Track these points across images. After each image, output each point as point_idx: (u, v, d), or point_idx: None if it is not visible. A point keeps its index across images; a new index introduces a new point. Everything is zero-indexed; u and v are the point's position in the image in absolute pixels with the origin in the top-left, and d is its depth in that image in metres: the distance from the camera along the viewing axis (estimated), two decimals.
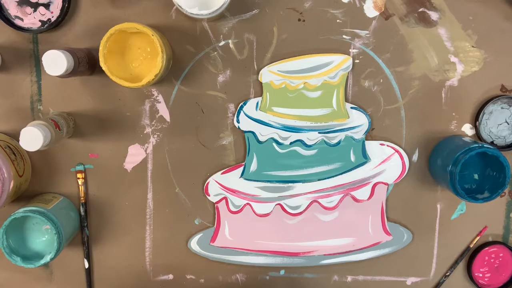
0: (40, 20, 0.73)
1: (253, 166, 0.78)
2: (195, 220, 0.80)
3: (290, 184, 0.79)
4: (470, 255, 0.81)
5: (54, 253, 0.70)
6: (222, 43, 0.76)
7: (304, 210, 0.79)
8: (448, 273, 0.82)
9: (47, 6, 0.73)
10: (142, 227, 0.79)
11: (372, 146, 0.78)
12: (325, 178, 0.79)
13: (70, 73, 0.67)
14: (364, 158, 0.78)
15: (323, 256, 0.81)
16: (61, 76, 0.66)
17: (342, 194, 0.79)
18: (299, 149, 0.77)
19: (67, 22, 0.74)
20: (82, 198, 0.78)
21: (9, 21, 0.73)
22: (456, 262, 0.82)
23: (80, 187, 0.78)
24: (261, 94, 0.77)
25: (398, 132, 0.78)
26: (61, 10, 0.73)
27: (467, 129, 0.79)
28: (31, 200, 0.76)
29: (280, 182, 0.78)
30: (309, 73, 0.76)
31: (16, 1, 0.73)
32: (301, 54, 0.76)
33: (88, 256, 0.79)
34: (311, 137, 0.77)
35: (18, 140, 0.65)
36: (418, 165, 0.79)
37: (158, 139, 0.77)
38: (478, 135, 0.78)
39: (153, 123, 0.77)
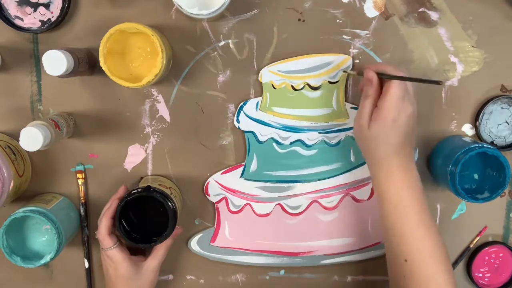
0: (40, 20, 0.73)
1: (253, 166, 0.78)
2: (195, 220, 0.80)
3: (290, 184, 0.79)
4: (470, 255, 0.81)
5: (54, 253, 0.70)
6: (222, 43, 0.76)
7: (304, 210, 0.79)
8: None
9: (47, 6, 0.73)
10: None
11: None
12: (325, 178, 0.78)
13: (70, 73, 0.67)
14: None
15: (323, 256, 0.81)
16: (61, 76, 0.66)
17: (342, 194, 0.79)
18: (299, 149, 0.77)
19: (67, 22, 0.74)
20: (82, 198, 0.78)
21: (9, 21, 0.73)
22: (456, 262, 0.82)
23: (80, 187, 0.78)
24: (261, 94, 0.77)
25: None
26: (61, 10, 0.73)
27: (467, 129, 0.79)
28: (31, 200, 0.76)
29: (280, 182, 0.78)
30: (309, 73, 0.76)
31: (16, 1, 0.73)
32: (301, 54, 0.76)
33: (88, 256, 0.79)
34: (311, 137, 0.77)
35: (18, 140, 0.65)
36: (418, 165, 0.79)
37: (158, 139, 0.77)
38: (478, 135, 0.78)
39: (153, 123, 0.77)
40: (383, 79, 0.67)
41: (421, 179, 0.79)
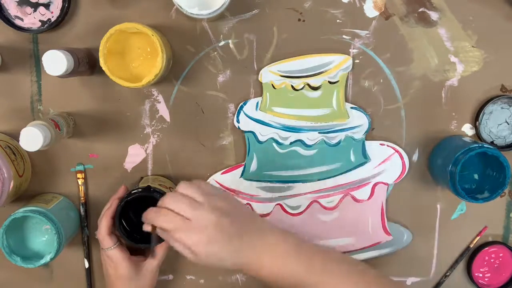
0: (40, 20, 0.73)
1: (253, 166, 0.78)
2: None
3: (290, 184, 0.79)
4: (470, 255, 0.81)
5: (54, 253, 0.70)
6: (222, 43, 0.76)
7: (304, 210, 0.79)
8: (448, 273, 0.82)
9: (47, 6, 0.73)
10: None
11: (372, 146, 0.78)
12: (325, 178, 0.78)
13: (70, 73, 0.67)
14: (364, 158, 0.78)
15: None
16: (61, 76, 0.66)
17: (342, 194, 0.79)
18: (299, 149, 0.77)
19: (67, 22, 0.74)
20: (82, 198, 0.78)
21: (9, 21, 0.73)
22: (456, 262, 0.82)
23: (80, 187, 0.78)
24: (261, 94, 0.77)
25: (398, 132, 0.78)
26: (61, 10, 0.73)
27: (467, 129, 0.79)
28: (31, 200, 0.76)
29: (280, 182, 0.78)
30: (309, 73, 0.76)
31: (16, 1, 0.73)
32: (301, 54, 0.76)
33: (88, 256, 0.79)
34: (311, 137, 0.77)
35: (18, 140, 0.65)
36: (418, 165, 0.79)
37: (158, 139, 0.77)
38: (478, 135, 0.78)
39: (153, 123, 0.77)
40: None
41: (421, 179, 0.80)
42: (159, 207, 0.63)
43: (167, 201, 0.62)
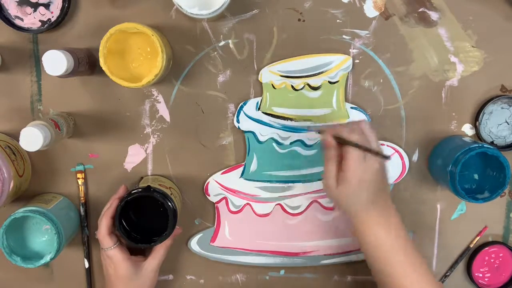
0: (40, 20, 0.73)
1: (253, 166, 0.78)
2: (195, 220, 0.80)
3: (290, 184, 0.79)
4: (470, 255, 0.81)
5: (54, 253, 0.70)
6: (222, 43, 0.76)
7: (304, 210, 0.79)
8: (448, 273, 0.82)
9: (47, 6, 0.73)
10: None
11: None
12: None
13: (70, 73, 0.67)
14: None
15: (323, 256, 0.81)
16: (61, 76, 0.66)
17: None
18: (299, 149, 0.77)
19: (67, 22, 0.74)
20: (82, 198, 0.78)
21: (9, 21, 0.73)
22: (456, 262, 0.82)
23: (80, 187, 0.78)
24: (261, 94, 0.77)
25: (398, 132, 0.78)
26: (61, 10, 0.73)
27: (467, 129, 0.79)
28: (31, 200, 0.76)
29: (280, 182, 0.78)
30: (309, 73, 0.76)
31: (16, 1, 0.73)
32: (301, 54, 0.76)
33: (88, 256, 0.79)
34: (311, 137, 0.77)
35: (18, 140, 0.65)
36: (418, 165, 0.79)
37: (158, 139, 0.77)
38: (478, 135, 0.78)
39: (153, 123, 0.77)
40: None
41: (421, 179, 0.80)
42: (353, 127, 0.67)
43: (365, 124, 0.67)
